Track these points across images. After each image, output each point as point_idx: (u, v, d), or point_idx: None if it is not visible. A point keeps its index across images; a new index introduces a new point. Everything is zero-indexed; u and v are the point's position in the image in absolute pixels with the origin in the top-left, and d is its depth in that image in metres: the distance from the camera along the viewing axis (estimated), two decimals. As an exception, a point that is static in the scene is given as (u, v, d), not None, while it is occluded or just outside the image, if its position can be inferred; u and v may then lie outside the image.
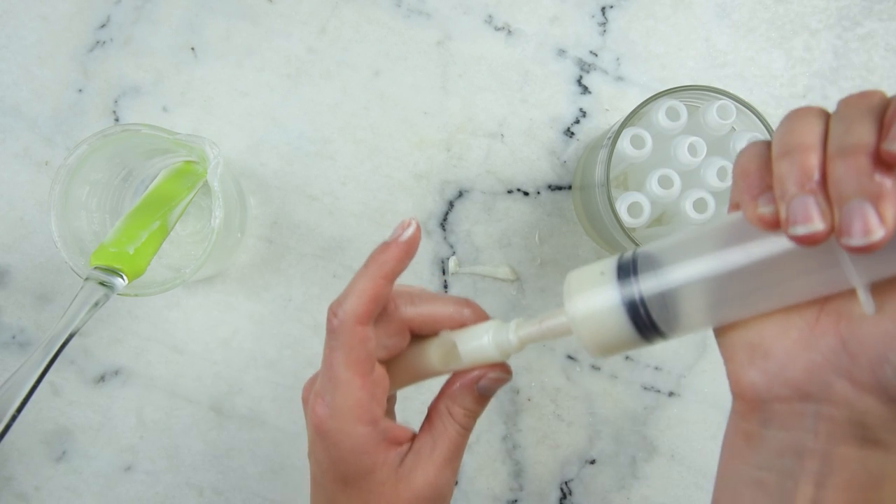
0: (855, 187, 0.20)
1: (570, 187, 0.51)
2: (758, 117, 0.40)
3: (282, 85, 0.50)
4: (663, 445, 0.50)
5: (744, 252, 0.24)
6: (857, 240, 0.20)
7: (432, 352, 0.31)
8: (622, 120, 0.40)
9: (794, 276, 0.24)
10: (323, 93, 0.50)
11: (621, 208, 0.41)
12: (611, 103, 0.51)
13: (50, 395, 0.49)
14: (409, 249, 0.30)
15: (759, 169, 0.23)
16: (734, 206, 0.27)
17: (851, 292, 0.23)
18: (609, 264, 0.27)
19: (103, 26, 0.50)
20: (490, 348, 0.30)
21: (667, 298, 0.25)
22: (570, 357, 0.50)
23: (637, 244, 0.39)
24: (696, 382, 0.50)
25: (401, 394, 0.36)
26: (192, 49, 0.50)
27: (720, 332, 0.27)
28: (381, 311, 0.30)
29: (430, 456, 0.31)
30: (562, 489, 0.50)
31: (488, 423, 0.50)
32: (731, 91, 0.40)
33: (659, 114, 0.41)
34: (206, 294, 0.50)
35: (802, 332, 0.24)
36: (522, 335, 0.30)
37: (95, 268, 0.39)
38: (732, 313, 0.26)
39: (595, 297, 0.26)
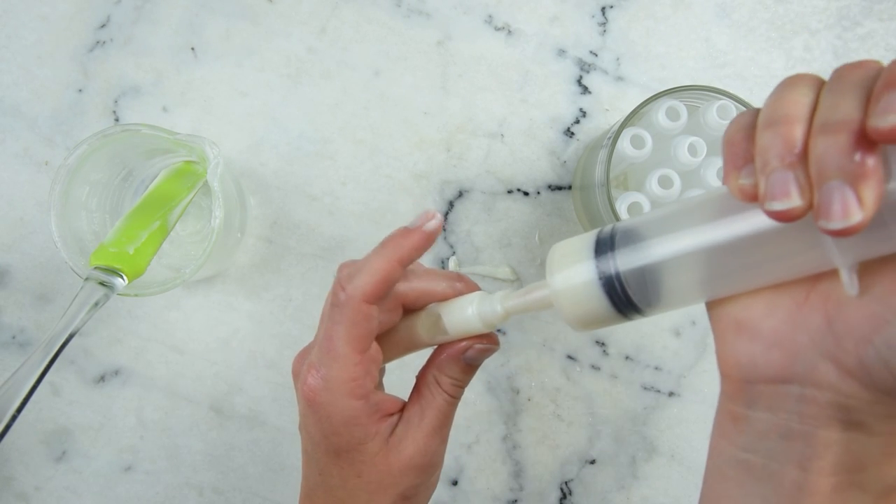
0: (835, 166, 0.19)
1: (570, 187, 0.51)
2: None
3: (282, 85, 0.50)
4: (663, 445, 0.50)
5: (724, 228, 0.23)
6: (834, 223, 0.19)
7: (420, 325, 0.32)
8: (622, 120, 0.40)
9: (777, 255, 0.23)
10: (323, 93, 0.50)
11: (621, 208, 0.41)
12: (611, 103, 0.51)
13: (50, 395, 0.49)
14: (429, 240, 0.31)
15: (745, 140, 0.22)
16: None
17: (840, 272, 0.22)
18: (589, 238, 0.27)
19: (103, 26, 0.50)
20: (474, 319, 0.30)
21: (645, 275, 0.25)
22: (570, 357, 0.50)
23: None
24: (696, 382, 0.50)
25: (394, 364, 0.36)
26: (192, 49, 0.50)
27: (711, 307, 0.27)
28: (387, 293, 0.30)
29: (419, 425, 0.31)
30: (562, 489, 0.50)
31: (488, 423, 0.50)
32: (731, 91, 0.40)
33: (659, 114, 0.41)
34: (206, 294, 0.50)
35: (790, 312, 0.24)
36: (508, 306, 0.30)
37: (95, 268, 0.39)
38: (713, 291, 0.25)
39: (572, 271, 0.26)
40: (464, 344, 0.31)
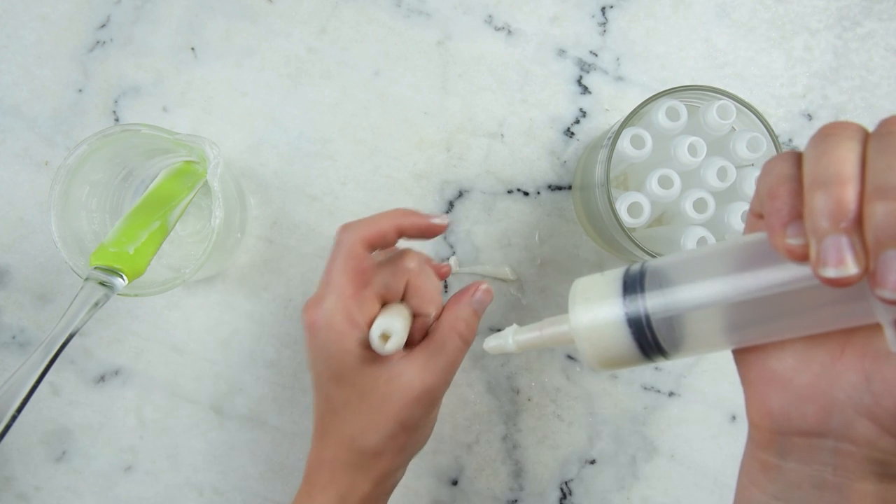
0: (894, 235, 0.18)
1: (570, 187, 0.51)
2: (758, 117, 0.40)
3: (282, 85, 0.50)
4: (663, 445, 0.50)
5: (763, 278, 0.22)
6: (892, 293, 0.18)
7: None
8: (622, 120, 0.40)
9: (816, 307, 0.22)
10: (323, 93, 0.50)
11: (621, 208, 0.41)
12: (611, 103, 0.51)
13: (50, 395, 0.49)
14: (429, 229, 0.36)
15: (790, 194, 0.21)
16: (755, 216, 0.25)
17: (878, 326, 0.22)
18: (616, 275, 0.26)
19: (103, 26, 0.50)
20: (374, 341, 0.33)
21: (674, 320, 0.24)
22: (570, 357, 0.50)
23: (637, 244, 0.39)
24: (696, 382, 0.50)
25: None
26: (192, 49, 0.50)
27: (739, 354, 0.26)
28: (379, 246, 0.35)
29: (427, 361, 0.34)
30: (562, 489, 0.50)
31: (488, 423, 0.50)
32: (731, 91, 0.40)
33: (659, 114, 0.41)
34: (206, 294, 0.50)
35: (825, 366, 0.23)
36: (520, 340, 0.30)
37: (95, 268, 0.39)
38: (745, 339, 0.24)
39: (598, 310, 0.25)
40: (472, 290, 0.37)
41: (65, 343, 0.36)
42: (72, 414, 0.49)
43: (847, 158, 0.20)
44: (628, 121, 0.40)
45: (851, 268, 0.19)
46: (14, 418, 0.34)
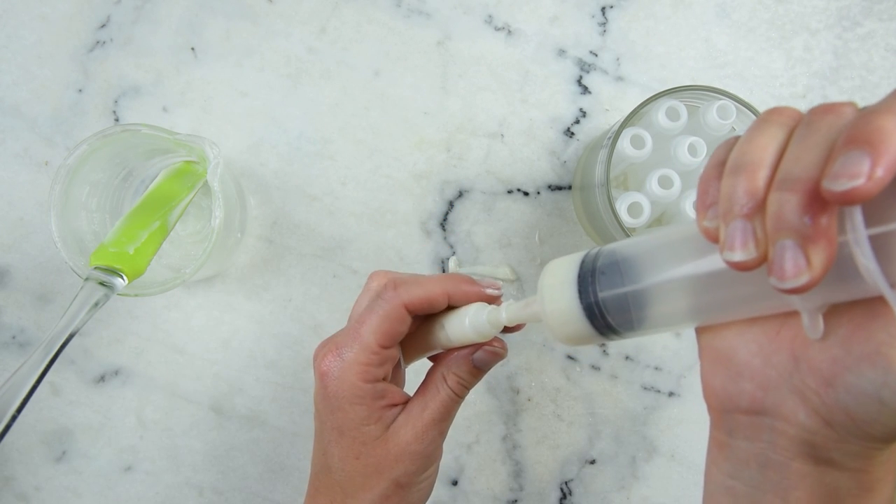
0: (788, 225, 0.19)
1: (570, 187, 0.51)
2: (758, 117, 0.40)
3: (282, 85, 0.50)
4: (663, 445, 0.50)
5: (694, 264, 0.23)
6: (784, 282, 0.19)
7: (434, 330, 0.34)
8: (622, 120, 0.40)
9: (740, 295, 0.23)
10: (323, 93, 0.50)
11: (621, 208, 0.41)
12: (611, 103, 0.51)
13: (50, 395, 0.49)
14: (481, 297, 0.33)
15: (716, 178, 0.22)
16: None
17: (801, 316, 0.22)
18: (575, 261, 0.28)
19: (103, 26, 0.50)
20: (469, 330, 0.32)
21: (622, 302, 0.26)
22: (570, 357, 0.50)
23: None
24: (696, 382, 0.50)
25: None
26: (192, 49, 0.50)
27: (698, 334, 0.27)
28: (424, 312, 0.33)
29: (420, 415, 0.33)
30: (562, 489, 0.50)
31: (488, 423, 0.50)
32: (731, 91, 0.40)
33: (659, 114, 0.41)
34: (206, 294, 0.50)
35: (761, 345, 0.24)
36: (510, 315, 0.31)
37: (95, 268, 0.39)
38: (685, 321, 0.26)
39: (558, 294, 0.27)
40: (475, 347, 0.33)
41: (65, 343, 0.36)
42: (72, 414, 0.49)
43: (766, 146, 0.21)
44: (628, 121, 0.40)
45: (751, 251, 0.20)
46: (14, 418, 0.34)
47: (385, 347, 0.32)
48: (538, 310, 0.29)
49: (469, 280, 0.33)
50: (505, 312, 0.31)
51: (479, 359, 0.33)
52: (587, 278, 0.27)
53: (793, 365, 0.23)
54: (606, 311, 0.26)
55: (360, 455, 0.33)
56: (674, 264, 0.24)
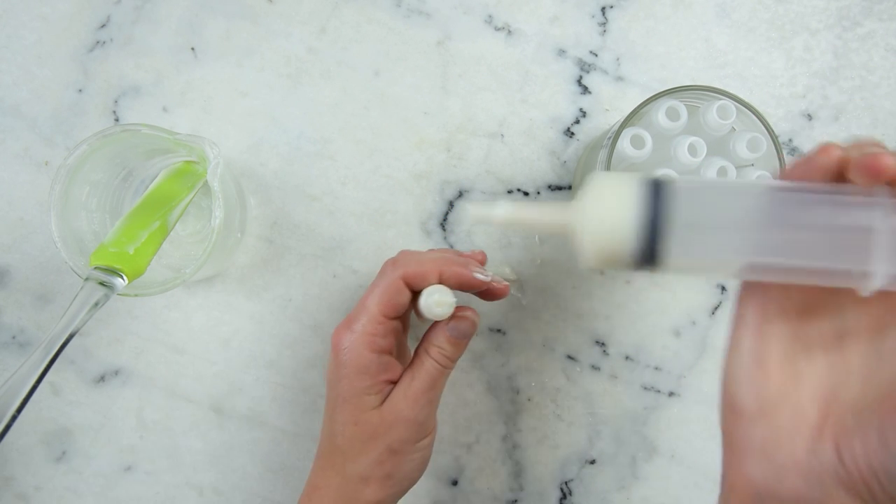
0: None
1: (570, 187, 0.51)
2: (758, 117, 0.40)
3: (282, 85, 0.50)
4: (663, 445, 0.50)
5: (757, 198, 0.24)
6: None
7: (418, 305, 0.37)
8: (622, 120, 0.40)
9: (815, 241, 0.23)
10: (323, 93, 0.50)
11: (621, 208, 0.41)
12: (611, 103, 0.51)
13: (50, 395, 0.49)
14: (471, 282, 0.36)
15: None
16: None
17: (853, 399, 0.24)
18: (635, 180, 0.26)
19: (103, 26, 0.50)
20: (424, 309, 0.36)
21: (683, 228, 0.25)
22: (570, 357, 0.50)
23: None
24: (696, 382, 0.50)
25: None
26: (192, 49, 0.50)
27: (726, 422, 0.27)
28: (419, 286, 0.36)
29: (410, 384, 0.36)
30: (562, 489, 0.50)
31: (488, 423, 0.50)
32: (731, 91, 0.40)
33: (659, 114, 0.41)
34: (206, 294, 0.50)
35: (807, 440, 0.25)
36: (514, 213, 0.30)
37: (95, 268, 0.39)
38: (736, 260, 0.25)
39: (611, 201, 0.26)
40: (449, 319, 0.37)
41: (65, 343, 0.36)
42: (72, 414, 0.49)
43: None
44: (628, 121, 0.40)
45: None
46: (14, 418, 0.34)
47: (388, 317, 0.36)
48: (562, 219, 0.28)
49: (462, 263, 0.36)
50: (505, 207, 0.30)
51: (452, 328, 0.37)
52: (653, 191, 0.25)
53: (836, 458, 0.24)
54: (660, 232, 0.25)
55: (358, 421, 0.36)
56: (737, 199, 0.24)
